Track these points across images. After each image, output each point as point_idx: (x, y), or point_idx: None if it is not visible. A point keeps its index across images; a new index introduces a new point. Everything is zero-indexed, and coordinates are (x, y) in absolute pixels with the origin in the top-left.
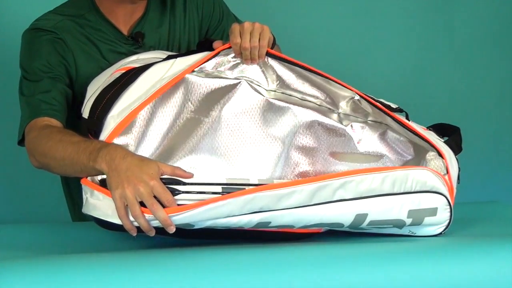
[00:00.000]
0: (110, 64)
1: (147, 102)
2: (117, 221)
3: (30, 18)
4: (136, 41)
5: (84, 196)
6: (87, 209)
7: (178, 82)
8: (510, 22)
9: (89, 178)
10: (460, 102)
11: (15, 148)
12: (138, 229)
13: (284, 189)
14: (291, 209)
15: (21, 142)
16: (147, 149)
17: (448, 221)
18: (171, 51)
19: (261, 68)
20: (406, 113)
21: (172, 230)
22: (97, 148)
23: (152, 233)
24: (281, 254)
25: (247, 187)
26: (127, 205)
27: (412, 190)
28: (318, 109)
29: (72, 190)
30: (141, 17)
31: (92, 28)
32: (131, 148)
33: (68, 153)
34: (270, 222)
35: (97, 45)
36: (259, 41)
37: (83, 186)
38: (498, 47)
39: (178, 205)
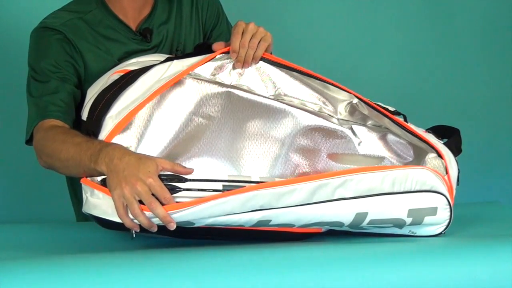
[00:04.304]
0: (119, 61)
1: (146, 102)
2: (117, 219)
3: (36, 17)
4: (144, 37)
5: (84, 196)
6: (87, 208)
7: (177, 85)
8: (508, 24)
9: (89, 177)
10: (460, 103)
11: (16, 148)
12: (141, 226)
13: (284, 187)
14: (291, 207)
15: (29, 142)
16: (149, 151)
17: (448, 220)
18: (176, 48)
19: (259, 75)
20: (404, 116)
21: (172, 227)
22: (98, 150)
23: (154, 229)
24: (281, 254)
25: (248, 185)
26: (126, 204)
27: (412, 190)
28: (318, 114)
29: (77, 189)
30: (149, 13)
31: (101, 25)
32: (132, 148)
33: (71, 155)
34: (270, 221)
35: (105, 43)
36: (258, 44)
37: (83, 185)
38: (496, 48)
39: (178, 202)
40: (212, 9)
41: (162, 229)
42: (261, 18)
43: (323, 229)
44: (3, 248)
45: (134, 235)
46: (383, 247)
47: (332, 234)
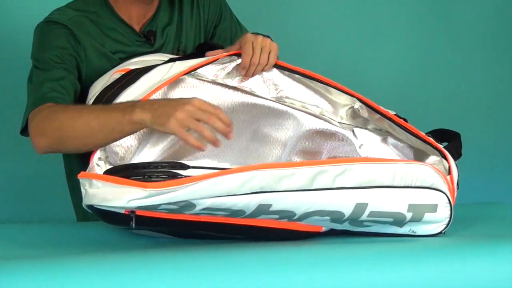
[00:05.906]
0: (121, 61)
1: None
2: (118, 203)
3: (36, 17)
4: (148, 39)
5: (82, 190)
6: (88, 200)
7: (180, 85)
8: (508, 25)
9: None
10: (460, 103)
11: (16, 148)
12: (138, 224)
13: (284, 170)
14: (291, 192)
15: (24, 132)
16: (150, 152)
17: (448, 219)
18: (178, 49)
19: (261, 77)
20: (404, 119)
21: (231, 137)
22: (131, 104)
23: (219, 144)
24: (281, 254)
25: None
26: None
27: (413, 185)
28: (319, 117)
29: (76, 189)
30: (153, 16)
31: (105, 26)
32: (133, 148)
33: (94, 116)
34: (271, 205)
35: (109, 42)
36: (268, 57)
37: (80, 180)
38: (496, 49)
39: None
40: (214, 6)
41: (162, 226)
42: (262, 19)
43: (324, 228)
44: (3, 248)
45: (134, 227)
46: (383, 247)
47: (332, 234)
